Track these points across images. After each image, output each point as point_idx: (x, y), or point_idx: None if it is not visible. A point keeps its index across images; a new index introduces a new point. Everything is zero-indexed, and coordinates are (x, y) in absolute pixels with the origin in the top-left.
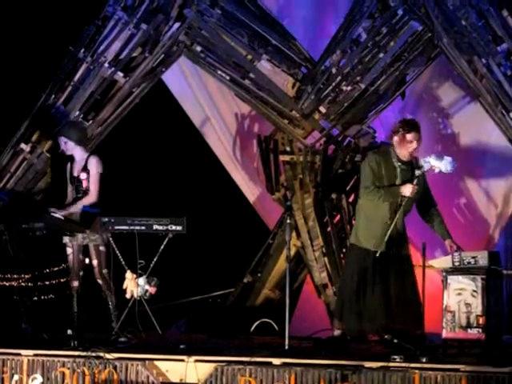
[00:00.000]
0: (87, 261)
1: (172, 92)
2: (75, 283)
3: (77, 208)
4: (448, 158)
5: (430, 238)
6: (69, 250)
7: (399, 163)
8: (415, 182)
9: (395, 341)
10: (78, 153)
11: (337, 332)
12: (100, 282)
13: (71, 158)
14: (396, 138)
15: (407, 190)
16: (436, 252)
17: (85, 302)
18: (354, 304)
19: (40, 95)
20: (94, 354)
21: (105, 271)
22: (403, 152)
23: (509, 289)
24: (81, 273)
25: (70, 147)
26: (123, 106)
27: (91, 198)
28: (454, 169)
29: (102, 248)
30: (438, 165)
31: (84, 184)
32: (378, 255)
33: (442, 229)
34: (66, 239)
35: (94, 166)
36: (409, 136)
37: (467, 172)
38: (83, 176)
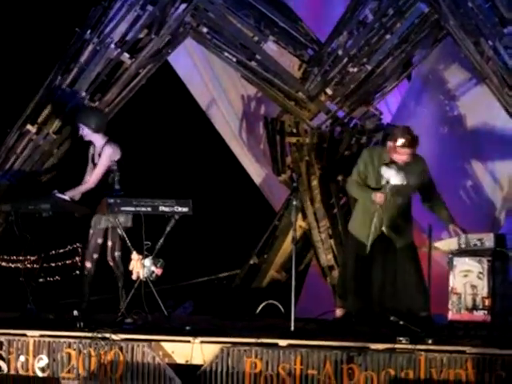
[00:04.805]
0: (99, 241)
1: (178, 73)
2: (88, 264)
3: (80, 191)
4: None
5: (436, 219)
6: (91, 232)
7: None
8: (383, 189)
9: (401, 322)
10: (96, 139)
11: (339, 311)
12: (111, 263)
13: (92, 143)
14: (390, 144)
15: (376, 197)
16: (442, 233)
17: (93, 284)
18: (354, 286)
19: (46, 76)
20: (100, 335)
21: (117, 254)
22: (396, 157)
23: None
24: (95, 255)
25: (87, 134)
26: (129, 87)
27: (88, 184)
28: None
29: (119, 230)
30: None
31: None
32: (368, 246)
33: (445, 215)
34: (92, 222)
35: (106, 155)
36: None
37: (474, 154)
38: None
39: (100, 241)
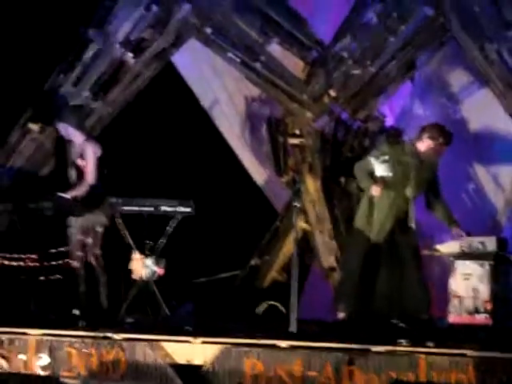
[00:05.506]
0: (80, 238)
1: (181, 73)
2: (75, 263)
3: (81, 191)
4: None
5: (439, 222)
6: (69, 231)
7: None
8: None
9: (402, 325)
10: (76, 137)
11: (341, 315)
12: (93, 261)
13: (72, 142)
14: (429, 143)
15: (372, 189)
16: (444, 236)
17: (92, 283)
18: (357, 287)
19: (50, 75)
20: (101, 335)
21: (98, 252)
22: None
23: None
24: (79, 253)
25: (70, 132)
26: (132, 86)
27: (87, 184)
28: None
29: (98, 228)
30: None
31: (82, 170)
32: (372, 241)
33: (448, 217)
34: (70, 220)
35: (90, 152)
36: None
37: (476, 157)
38: (80, 162)
39: (81, 238)
